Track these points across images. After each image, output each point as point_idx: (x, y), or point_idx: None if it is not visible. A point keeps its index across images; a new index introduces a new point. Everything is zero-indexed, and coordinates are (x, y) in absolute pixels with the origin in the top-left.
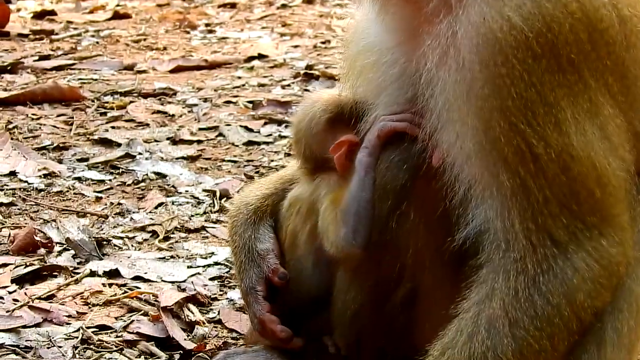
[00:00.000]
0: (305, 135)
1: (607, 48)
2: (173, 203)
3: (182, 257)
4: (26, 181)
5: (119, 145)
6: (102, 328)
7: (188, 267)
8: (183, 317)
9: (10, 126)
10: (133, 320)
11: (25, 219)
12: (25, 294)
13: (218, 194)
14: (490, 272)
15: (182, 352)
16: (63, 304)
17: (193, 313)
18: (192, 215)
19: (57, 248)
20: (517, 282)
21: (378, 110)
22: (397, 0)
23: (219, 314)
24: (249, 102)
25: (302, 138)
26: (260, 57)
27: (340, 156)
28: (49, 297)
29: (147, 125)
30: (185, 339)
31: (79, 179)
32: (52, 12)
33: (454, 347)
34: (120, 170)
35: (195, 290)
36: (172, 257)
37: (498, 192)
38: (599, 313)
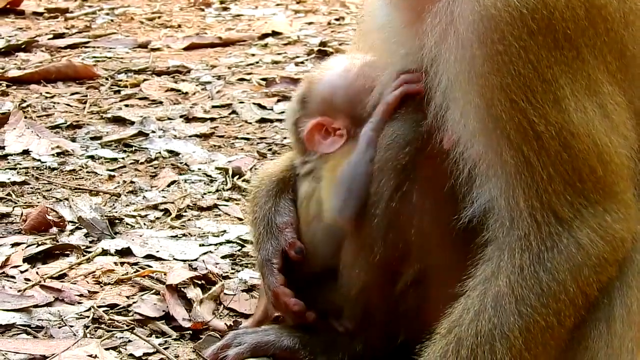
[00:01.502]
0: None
1: (604, 25)
2: (185, 181)
3: (194, 235)
4: (39, 160)
5: (132, 123)
6: (113, 307)
7: (200, 245)
8: (190, 296)
9: (24, 105)
10: (144, 299)
11: (38, 198)
12: (37, 273)
13: (231, 172)
14: (495, 250)
15: (192, 331)
16: (75, 283)
17: (199, 292)
18: (205, 193)
19: (70, 227)
20: (522, 260)
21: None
22: None
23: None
24: (263, 79)
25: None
26: (274, 34)
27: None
28: (61, 277)
29: (161, 103)
30: (184, 319)
31: (92, 157)
32: None
33: (460, 325)
34: (134, 148)
35: (206, 268)
36: (184, 235)
37: (502, 170)
38: (607, 289)
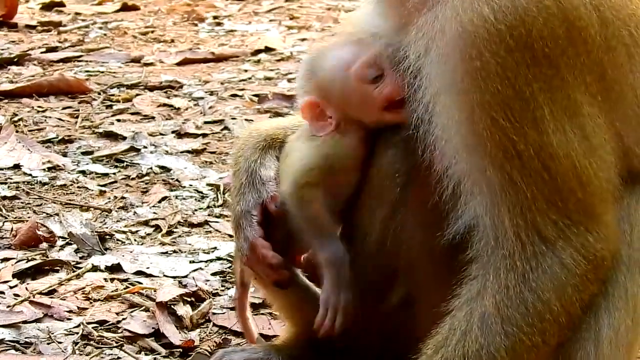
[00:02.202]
0: None
1: (585, 46)
2: (177, 197)
3: (185, 251)
4: (30, 174)
5: (124, 138)
6: (103, 323)
7: (190, 262)
8: (180, 313)
9: (16, 119)
10: (134, 316)
11: (28, 213)
12: (27, 289)
13: (222, 188)
14: (480, 269)
15: (182, 348)
16: (64, 299)
17: (189, 309)
18: (196, 210)
19: (60, 242)
20: (507, 279)
21: None
22: None
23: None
24: (255, 95)
25: None
26: (267, 50)
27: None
28: (50, 292)
29: (153, 118)
30: (175, 335)
31: (83, 172)
32: (61, 4)
33: (447, 345)
34: (125, 163)
35: (196, 285)
36: (174, 251)
37: (487, 187)
38: (594, 310)
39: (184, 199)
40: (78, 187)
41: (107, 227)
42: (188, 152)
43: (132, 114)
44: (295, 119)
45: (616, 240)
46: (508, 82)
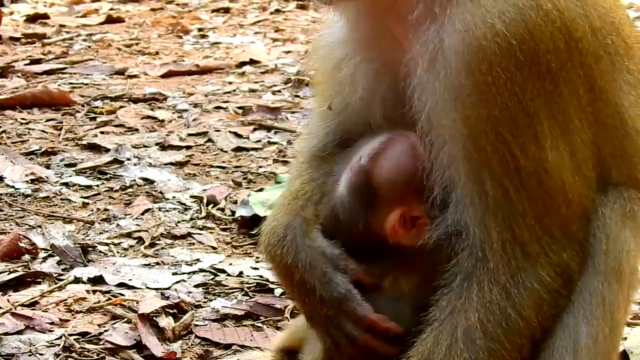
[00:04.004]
0: None
1: (580, 58)
2: (160, 209)
3: (168, 263)
4: (13, 186)
5: (108, 150)
6: (85, 335)
7: (173, 274)
8: (162, 325)
9: None
10: (116, 328)
11: (10, 225)
12: (8, 300)
13: (205, 200)
14: (464, 280)
15: None
16: (46, 311)
17: (171, 321)
18: (179, 222)
19: (42, 254)
20: (491, 294)
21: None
22: (373, 6)
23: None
24: (239, 107)
25: None
26: (252, 62)
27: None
28: (32, 304)
29: (137, 130)
30: (157, 347)
31: (66, 184)
32: (45, 16)
33: (433, 359)
34: (108, 175)
35: (178, 297)
36: (157, 263)
37: (480, 200)
38: (573, 315)
39: (167, 211)
40: (61, 199)
41: (89, 239)
42: (171, 164)
43: (116, 126)
44: (293, 185)
45: (585, 254)
46: (516, 98)
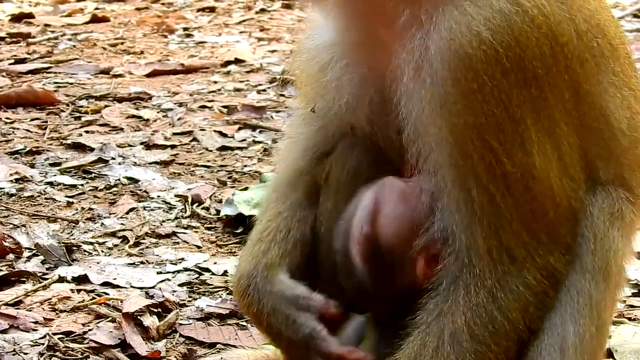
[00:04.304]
0: None
1: (565, 62)
2: (144, 208)
3: (152, 262)
4: None
5: (92, 149)
6: (69, 334)
7: (158, 273)
8: (146, 324)
9: None
10: (100, 327)
11: None
12: None
13: (190, 200)
14: (450, 284)
15: (148, 359)
16: (30, 310)
17: (155, 320)
18: (164, 221)
19: (26, 253)
20: (478, 298)
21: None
22: (360, 10)
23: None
24: (224, 107)
25: None
26: (237, 61)
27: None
28: (16, 303)
29: (121, 129)
30: (141, 346)
31: (50, 183)
32: (30, 15)
33: None
34: (93, 175)
35: (163, 296)
36: (142, 262)
37: (466, 206)
38: (560, 314)
39: (152, 210)
40: (45, 198)
41: (74, 238)
42: (156, 163)
43: (101, 125)
44: (260, 223)
45: (572, 256)
46: (503, 105)
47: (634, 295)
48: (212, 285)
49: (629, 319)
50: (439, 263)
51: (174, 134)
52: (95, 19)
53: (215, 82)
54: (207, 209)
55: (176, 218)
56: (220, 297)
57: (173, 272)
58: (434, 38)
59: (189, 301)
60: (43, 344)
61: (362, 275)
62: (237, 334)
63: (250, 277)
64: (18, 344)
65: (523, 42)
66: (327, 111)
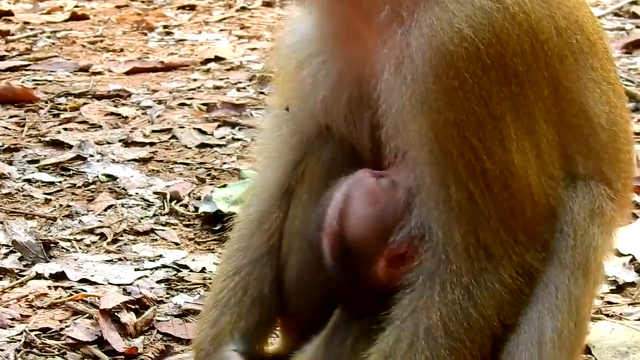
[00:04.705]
0: None
1: (545, 59)
2: (123, 205)
3: (130, 259)
4: None
5: (71, 147)
6: (46, 331)
7: (135, 269)
8: (123, 320)
9: None
10: (77, 324)
11: None
12: None
13: (168, 197)
14: (426, 281)
15: (125, 356)
16: (7, 307)
17: (132, 316)
18: (142, 218)
19: (4, 250)
20: (454, 294)
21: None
22: (340, 6)
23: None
24: (204, 104)
25: None
26: (217, 59)
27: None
28: None
29: (100, 127)
30: (118, 342)
31: (28, 180)
32: (9, 13)
33: (394, 356)
34: (71, 172)
35: (140, 293)
36: (119, 259)
37: (444, 203)
38: (538, 309)
39: (130, 207)
40: (23, 195)
41: (51, 235)
42: (135, 160)
43: (80, 122)
44: (218, 280)
45: (550, 252)
46: (483, 102)
47: (612, 291)
48: (190, 282)
49: (607, 315)
50: (406, 264)
51: (153, 131)
52: (74, 17)
53: (195, 80)
54: (186, 206)
55: (154, 215)
56: (198, 293)
57: (151, 269)
58: (415, 34)
59: (167, 298)
60: (20, 340)
61: (330, 268)
62: None
63: (199, 351)
64: None
65: (504, 39)
66: (302, 109)
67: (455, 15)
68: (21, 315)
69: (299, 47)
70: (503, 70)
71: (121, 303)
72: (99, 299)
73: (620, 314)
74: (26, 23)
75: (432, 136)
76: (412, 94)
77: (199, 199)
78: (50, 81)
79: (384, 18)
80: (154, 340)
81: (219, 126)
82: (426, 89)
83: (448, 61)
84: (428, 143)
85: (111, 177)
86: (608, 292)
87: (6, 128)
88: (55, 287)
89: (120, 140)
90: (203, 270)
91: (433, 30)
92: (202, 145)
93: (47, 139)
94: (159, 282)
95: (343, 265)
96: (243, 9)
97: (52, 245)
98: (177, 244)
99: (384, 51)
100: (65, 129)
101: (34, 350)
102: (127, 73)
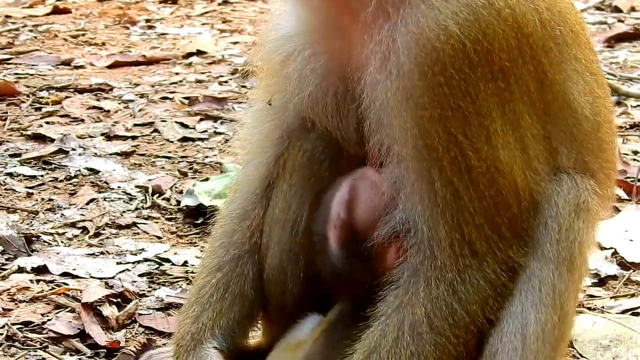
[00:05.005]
0: None
1: (530, 53)
2: (105, 199)
3: (112, 253)
4: None
5: (53, 140)
6: (28, 324)
7: (117, 263)
8: (106, 314)
9: None
10: (59, 317)
11: None
12: None
13: (150, 190)
14: (411, 276)
15: (107, 349)
16: None
17: (114, 310)
18: (124, 212)
19: None
20: (438, 290)
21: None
22: (327, 1)
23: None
24: (186, 98)
25: None
26: (199, 53)
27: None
28: None
29: (82, 120)
30: (100, 336)
31: (10, 174)
32: None
33: (379, 352)
34: (53, 166)
35: (122, 286)
36: (101, 253)
37: (429, 198)
38: (521, 302)
39: (112, 200)
40: (5, 189)
41: (33, 229)
42: (117, 154)
43: (61, 116)
44: (200, 275)
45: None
46: (470, 98)
47: (594, 285)
48: (172, 275)
49: (589, 308)
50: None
51: (135, 125)
52: (56, 11)
53: (177, 74)
54: (168, 199)
55: (136, 209)
56: (180, 287)
57: (133, 263)
58: (401, 31)
59: (149, 291)
60: (2, 334)
61: (337, 259)
62: None
63: (179, 346)
64: None
65: (490, 35)
66: (286, 104)
67: (441, 12)
68: (3, 309)
69: (284, 43)
70: (489, 66)
71: (103, 296)
72: (81, 292)
73: (602, 307)
74: (8, 17)
75: (417, 132)
76: (397, 89)
77: (181, 192)
78: (32, 75)
79: (370, 13)
80: (136, 333)
81: (201, 120)
82: (412, 85)
83: (434, 58)
84: (412, 139)
85: (93, 171)
86: (590, 286)
87: None
88: (38, 281)
89: (102, 134)
90: (185, 263)
91: (419, 27)
92: (184, 139)
93: (29, 132)
94: (141, 275)
95: (352, 253)
96: (225, 2)
97: (34, 239)
98: (159, 237)
99: (370, 46)
100: (47, 123)
101: (16, 344)
102: (109, 67)
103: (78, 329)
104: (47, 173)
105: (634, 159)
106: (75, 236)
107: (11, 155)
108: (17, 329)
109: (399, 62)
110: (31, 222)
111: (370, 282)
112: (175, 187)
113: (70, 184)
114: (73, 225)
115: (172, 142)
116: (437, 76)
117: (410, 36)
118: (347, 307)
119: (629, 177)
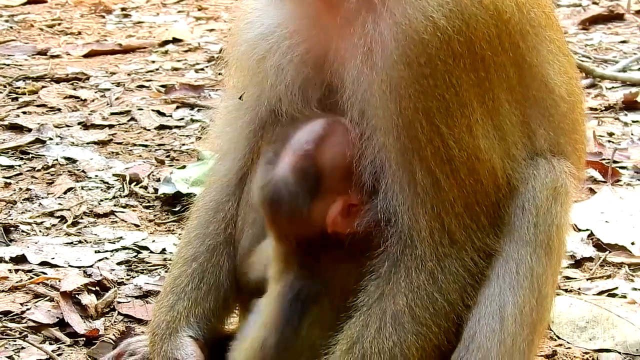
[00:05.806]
0: None
1: (509, 39)
2: (82, 188)
3: (90, 242)
4: None
5: (30, 130)
6: (7, 314)
7: (96, 252)
8: (84, 302)
9: None
10: (38, 306)
11: None
12: None
13: (128, 179)
14: (391, 267)
15: (86, 337)
16: None
17: (93, 298)
18: (102, 200)
19: None
20: (419, 280)
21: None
22: None
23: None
24: (162, 86)
25: None
26: (175, 41)
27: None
28: None
29: (59, 110)
30: (79, 324)
31: None
32: None
33: (362, 342)
34: (30, 155)
35: (101, 275)
36: (80, 242)
37: (410, 188)
38: (498, 284)
39: (90, 189)
40: None
41: (11, 219)
42: (94, 143)
43: (38, 106)
44: (175, 266)
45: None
46: (454, 90)
47: (570, 266)
48: (150, 263)
49: (566, 290)
50: (352, 217)
51: (112, 113)
52: (32, 0)
53: (153, 62)
54: (145, 187)
55: (114, 197)
56: (159, 274)
57: (111, 251)
58: (387, 22)
59: (128, 279)
60: None
61: (284, 183)
62: None
63: (155, 335)
64: None
65: (472, 24)
66: (262, 98)
67: (428, 4)
68: None
69: (259, 41)
70: (471, 57)
71: (82, 285)
72: (59, 281)
73: (579, 289)
74: None
75: (401, 123)
76: (382, 80)
77: (158, 180)
78: (8, 65)
79: (353, 5)
80: (114, 321)
81: (177, 108)
82: (398, 76)
83: (420, 49)
84: (395, 129)
85: (70, 160)
86: (566, 267)
87: None
88: (16, 271)
89: (79, 123)
90: (163, 251)
91: (406, 19)
92: (161, 127)
93: (6, 122)
94: (119, 263)
95: (301, 187)
96: None
97: (12, 228)
98: (137, 225)
99: (352, 38)
100: (24, 113)
101: None
102: (85, 56)
103: (57, 317)
104: (25, 163)
105: (609, 141)
106: (54, 225)
107: None
108: None
109: (384, 53)
110: (9, 211)
111: (305, 233)
112: (153, 175)
113: (48, 173)
114: (51, 214)
115: (149, 130)
116: (423, 67)
117: (397, 27)
118: (300, 300)
119: (604, 159)
